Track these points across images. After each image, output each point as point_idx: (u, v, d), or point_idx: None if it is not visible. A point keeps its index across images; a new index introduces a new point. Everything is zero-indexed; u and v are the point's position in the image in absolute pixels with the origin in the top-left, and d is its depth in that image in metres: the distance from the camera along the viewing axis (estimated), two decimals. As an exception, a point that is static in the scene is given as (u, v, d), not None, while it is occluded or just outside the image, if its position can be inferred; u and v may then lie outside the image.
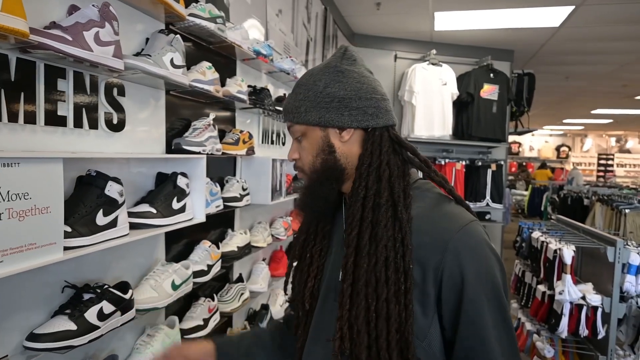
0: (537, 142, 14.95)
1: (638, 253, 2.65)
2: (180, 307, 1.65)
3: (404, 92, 4.71)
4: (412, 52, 4.88)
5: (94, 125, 1.23)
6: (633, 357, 2.73)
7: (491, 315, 0.76)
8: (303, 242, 0.95)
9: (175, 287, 1.42)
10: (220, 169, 1.99)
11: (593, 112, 9.90)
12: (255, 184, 2.13)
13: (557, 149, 14.68)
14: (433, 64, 4.66)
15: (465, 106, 4.77)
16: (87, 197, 1.09)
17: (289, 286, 1.00)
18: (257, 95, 2.15)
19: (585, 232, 3.14)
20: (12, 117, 0.99)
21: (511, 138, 11.58)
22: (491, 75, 4.76)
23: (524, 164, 14.14)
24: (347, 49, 0.91)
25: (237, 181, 1.96)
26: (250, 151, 2.05)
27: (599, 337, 2.70)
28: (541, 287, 2.99)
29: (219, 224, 1.98)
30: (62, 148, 1.12)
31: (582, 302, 2.70)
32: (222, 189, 1.89)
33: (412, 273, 0.77)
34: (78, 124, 1.17)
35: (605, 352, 2.72)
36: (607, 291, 2.71)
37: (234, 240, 1.95)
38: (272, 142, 2.59)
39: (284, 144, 2.78)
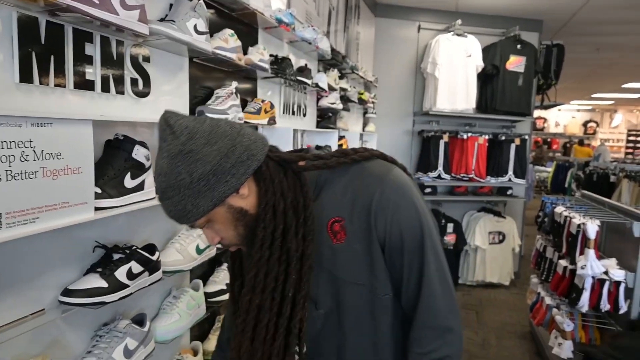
0: (563, 118, 14.52)
1: (665, 229, 2.59)
2: (204, 272, 1.70)
3: (426, 64, 4.61)
4: (436, 23, 4.74)
5: (120, 90, 1.25)
6: (655, 333, 2.70)
7: (429, 257, 0.85)
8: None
9: (199, 251, 1.45)
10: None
11: (624, 86, 9.53)
12: (277, 153, 2.14)
13: (585, 124, 14.25)
14: (458, 34, 4.53)
15: (490, 79, 4.65)
16: (115, 160, 1.12)
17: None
18: (279, 65, 2.14)
19: (611, 208, 3.08)
20: (43, 80, 1.02)
21: (536, 113, 11.25)
22: (518, 46, 4.60)
23: (549, 140, 13.79)
24: (170, 125, 0.77)
25: (259, 150, 1.97)
26: (272, 121, 2.06)
27: (621, 312, 2.68)
28: (563, 262, 2.96)
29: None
30: (90, 112, 1.14)
31: (604, 277, 2.67)
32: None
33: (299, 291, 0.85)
34: (105, 88, 1.19)
35: (624, 327, 2.70)
36: (631, 267, 2.67)
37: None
38: (293, 113, 2.59)
39: (304, 115, 2.77)
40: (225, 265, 1.76)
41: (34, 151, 0.84)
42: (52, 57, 1.04)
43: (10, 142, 0.80)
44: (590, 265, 2.68)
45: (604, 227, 2.81)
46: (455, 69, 4.52)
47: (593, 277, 2.69)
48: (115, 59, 1.23)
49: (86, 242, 1.16)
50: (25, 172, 0.83)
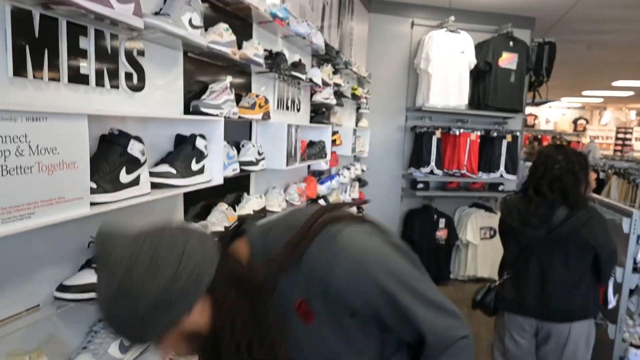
0: (553, 115, 14.64)
1: (654, 225, 2.63)
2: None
3: (420, 60, 4.62)
4: (429, 19, 4.75)
5: (115, 84, 1.24)
6: (642, 327, 2.75)
7: (407, 305, 0.82)
8: None
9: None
10: (237, 133, 1.99)
11: (614, 83, 9.63)
12: (271, 149, 2.14)
13: (575, 121, 14.39)
14: (451, 31, 4.55)
15: (482, 75, 4.68)
16: (110, 155, 1.11)
17: None
18: (273, 60, 2.13)
19: (601, 204, 3.12)
20: (37, 74, 1.00)
21: (527, 110, 11.31)
22: (511, 43, 4.63)
23: (539, 136, 13.90)
24: (104, 259, 0.74)
25: (253, 145, 1.97)
26: (266, 116, 2.05)
27: (610, 306, 2.72)
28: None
29: (235, 187, 2.00)
30: (85, 106, 1.13)
31: (594, 272, 2.71)
32: (238, 153, 1.90)
33: None
34: (100, 82, 1.18)
35: (615, 321, 2.74)
36: (620, 262, 2.71)
37: (250, 204, 1.98)
38: (287, 108, 2.59)
39: (298, 110, 2.77)
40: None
41: (29, 146, 0.83)
42: (46, 50, 1.02)
43: (5, 136, 0.79)
44: (581, 260, 2.71)
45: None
46: (448, 65, 4.53)
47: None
48: (110, 53, 1.22)
49: (81, 238, 1.15)
50: (21, 167, 0.82)
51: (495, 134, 4.75)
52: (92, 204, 1.00)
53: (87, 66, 1.15)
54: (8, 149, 0.79)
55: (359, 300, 0.82)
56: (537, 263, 1.99)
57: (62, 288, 1.05)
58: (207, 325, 0.78)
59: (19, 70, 0.96)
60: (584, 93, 11.77)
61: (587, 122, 14.54)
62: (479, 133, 4.75)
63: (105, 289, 0.72)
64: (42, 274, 1.06)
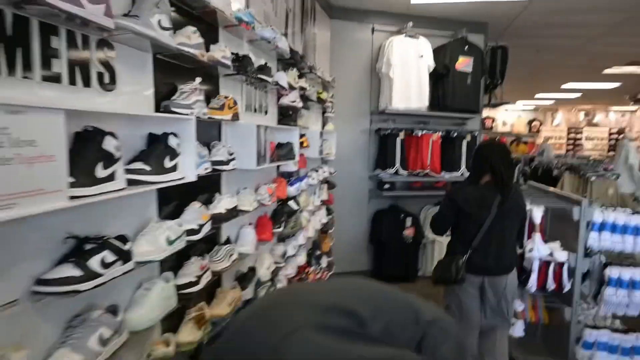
0: (510, 117, 15.27)
1: (601, 211, 2.83)
2: (173, 265, 1.72)
3: (381, 64, 4.77)
4: (389, 25, 4.92)
5: (87, 83, 1.26)
6: (595, 308, 2.95)
7: None
8: None
9: (170, 242, 1.48)
10: (207, 134, 2.03)
11: (563, 86, 10.17)
12: (241, 149, 2.18)
13: (529, 123, 15.05)
14: (410, 36, 4.73)
15: (441, 78, 4.88)
16: (86, 151, 1.14)
17: None
18: (241, 62, 2.18)
19: (555, 196, 3.32)
20: (11, 72, 1.02)
21: (485, 113, 11.69)
22: (466, 47, 4.86)
23: (497, 138, 14.44)
24: None
25: (224, 146, 2.01)
26: (235, 117, 2.10)
27: (565, 290, 2.90)
28: (513, 247, 3.17)
29: (206, 188, 2.03)
30: (59, 104, 1.15)
31: (549, 258, 2.89)
32: (209, 153, 1.93)
33: None
34: (72, 81, 1.21)
35: (571, 304, 2.92)
36: (573, 248, 2.90)
37: (222, 204, 2.01)
38: (255, 111, 2.64)
39: (266, 112, 2.82)
40: (193, 259, 1.78)
41: (10, 138, 0.86)
42: (19, 49, 1.05)
43: (-15, 128, 0.81)
44: (537, 248, 2.88)
45: (548, 213, 3.03)
46: (409, 69, 4.71)
47: (540, 260, 2.90)
48: (82, 52, 1.24)
49: (57, 234, 1.16)
50: (2, 159, 0.84)
51: (455, 135, 4.96)
52: (70, 197, 1.02)
53: (59, 65, 1.17)
54: (-11, 141, 0.82)
55: None
56: (490, 235, 2.45)
57: (40, 282, 1.07)
58: None
59: (-7, 67, 0.98)
60: (537, 96, 12.37)
61: (541, 123, 15.24)
62: (440, 134, 4.94)
63: None
64: (19, 269, 1.07)
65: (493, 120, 14.74)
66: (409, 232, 4.88)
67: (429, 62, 4.77)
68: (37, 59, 1.10)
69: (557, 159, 6.36)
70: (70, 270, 1.10)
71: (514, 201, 2.50)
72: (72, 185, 1.04)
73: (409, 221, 4.88)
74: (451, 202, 2.53)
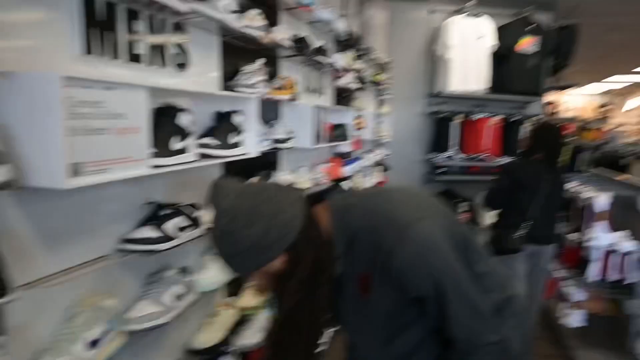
0: (577, 102, 14.40)
1: (673, 200, 2.67)
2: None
3: (438, 46, 4.67)
4: (448, 4, 4.78)
5: (164, 63, 1.38)
6: (661, 302, 2.80)
7: (453, 303, 0.93)
8: None
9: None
10: (267, 113, 2.12)
11: (637, 69, 9.43)
12: (298, 129, 2.26)
13: (598, 108, 14.11)
14: (471, 15, 4.58)
15: (502, 59, 4.69)
16: (163, 125, 1.25)
17: None
18: (299, 45, 2.25)
19: (621, 183, 3.16)
20: (102, 53, 1.15)
21: (549, 97, 11.07)
22: (531, 26, 4.63)
23: (553, 121, 13.67)
24: (216, 205, 0.90)
25: (283, 125, 2.10)
26: (294, 97, 2.18)
27: (628, 282, 2.78)
28: (573, 235, 3.06)
29: (266, 164, 2.14)
30: (141, 82, 1.27)
31: (613, 248, 2.77)
32: (269, 131, 2.03)
33: None
34: (152, 62, 1.33)
35: (633, 296, 2.80)
36: (638, 238, 2.76)
37: (281, 180, 2.11)
38: (312, 92, 2.71)
39: (322, 94, 2.89)
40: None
41: (105, 111, 0.98)
42: (108, 32, 1.17)
43: (86, 102, 0.93)
44: (599, 237, 2.78)
45: (614, 201, 2.90)
46: (467, 51, 4.57)
47: (602, 249, 2.79)
48: (160, 36, 1.36)
49: (139, 200, 1.30)
50: (99, 129, 0.96)
51: (515, 119, 4.78)
52: (151, 166, 1.14)
53: (141, 47, 1.29)
54: (89, 113, 0.94)
55: (413, 284, 0.93)
56: (541, 207, 2.63)
57: (125, 241, 1.21)
58: (283, 272, 0.93)
59: (88, 49, 1.11)
60: (608, 79, 11.54)
61: (611, 108, 14.24)
62: (499, 118, 4.78)
63: (214, 228, 0.91)
64: (108, 230, 1.21)
65: (558, 104, 13.96)
66: (463, 218, 4.80)
67: (489, 43, 4.61)
68: (124, 41, 1.22)
69: (626, 146, 5.98)
70: (149, 232, 1.23)
71: (560, 178, 2.77)
72: (153, 155, 1.16)
73: (463, 207, 4.80)
74: (509, 175, 2.71)
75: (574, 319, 2.91)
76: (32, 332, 1.01)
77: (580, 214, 2.99)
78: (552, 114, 13.16)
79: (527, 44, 4.66)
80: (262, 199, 0.89)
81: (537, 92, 4.83)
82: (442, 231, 0.94)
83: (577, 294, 2.93)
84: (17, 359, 0.95)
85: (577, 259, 2.99)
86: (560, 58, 5.06)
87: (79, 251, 1.12)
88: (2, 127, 0.88)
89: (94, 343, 1.06)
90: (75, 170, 0.91)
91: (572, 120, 13.43)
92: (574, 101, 14.30)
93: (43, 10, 1.01)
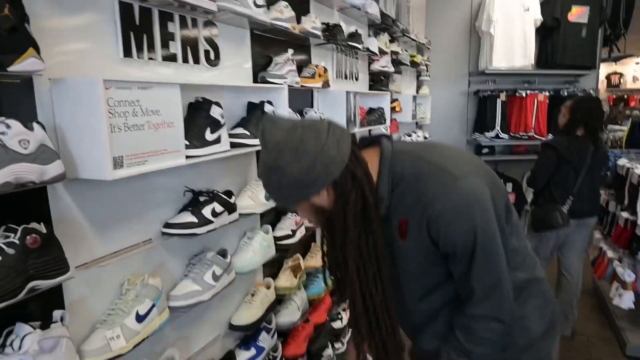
0: (641, 72, 13.32)
1: None
2: (272, 220, 1.94)
3: (481, 22, 4.53)
4: (490, -22, 4.60)
5: (196, 60, 1.48)
6: None
7: (477, 266, 0.98)
8: None
9: (268, 198, 1.68)
10: (299, 102, 2.19)
11: None
12: (331, 115, 2.31)
13: (666, 78, 12.99)
14: (514, -13, 4.39)
15: (550, 32, 4.48)
16: (197, 118, 1.35)
17: None
18: (331, 32, 2.29)
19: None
20: (140, 55, 1.26)
21: (611, 68, 10.39)
22: (580, -5, 4.38)
23: (626, 97, 12.73)
24: (264, 140, 0.93)
25: (315, 112, 2.16)
26: (326, 84, 2.23)
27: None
28: (624, 214, 2.93)
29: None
30: (175, 79, 1.37)
31: (669, 227, 2.63)
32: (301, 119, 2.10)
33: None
34: (185, 60, 1.43)
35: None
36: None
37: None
38: (346, 77, 2.74)
39: (357, 79, 2.91)
40: (289, 214, 1.99)
41: (141, 108, 1.08)
42: (144, 35, 1.27)
43: (124, 101, 1.04)
44: (654, 215, 2.64)
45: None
46: (512, 25, 4.41)
47: (655, 228, 2.65)
48: (191, 35, 1.45)
49: (179, 188, 1.42)
50: (136, 125, 1.07)
51: (566, 94, 4.56)
52: (186, 157, 1.25)
53: (175, 46, 1.39)
54: (127, 111, 1.05)
55: (451, 232, 0.95)
56: (585, 181, 2.67)
57: (167, 225, 1.33)
58: (329, 207, 0.98)
59: (127, 52, 1.22)
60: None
61: (682, 77, 13.07)
62: (547, 94, 4.58)
63: (262, 162, 0.96)
64: (152, 215, 1.33)
65: (620, 75, 12.99)
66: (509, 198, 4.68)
67: (535, 16, 4.40)
68: (158, 42, 1.32)
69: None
70: (189, 217, 1.35)
71: (603, 152, 2.79)
72: (187, 147, 1.26)
73: (509, 187, 4.67)
74: (553, 151, 2.69)
75: (625, 300, 2.81)
76: (88, 307, 1.15)
77: (630, 192, 2.85)
78: (616, 85, 12.32)
79: (578, 13, 4.41)
80: (310, 135, 0.91)
81: (591, 64, 4.57)
82: (489, 193, 0.97)
83: (629, 275, 2.81)
84: (75, 330, 1.09)
85: (628, 239, 2.86)
86: (616, 27, 4.75)
87: (126, 235, 1.25)
88: (55, 127, 1.01)
89: (142, 317, 1.19)
90: (118, 162, 1.02)
91: (637, 92, 12.49)
92: None
93: (87, 19, 1.13)
